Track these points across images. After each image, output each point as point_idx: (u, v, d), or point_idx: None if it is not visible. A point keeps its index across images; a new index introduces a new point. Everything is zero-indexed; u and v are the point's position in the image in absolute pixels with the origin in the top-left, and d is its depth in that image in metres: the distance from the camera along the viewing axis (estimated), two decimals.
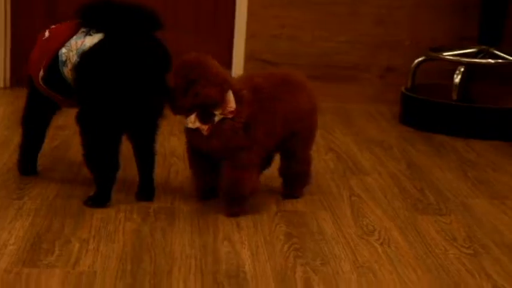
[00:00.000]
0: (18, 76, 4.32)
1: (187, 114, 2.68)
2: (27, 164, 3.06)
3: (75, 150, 3.12)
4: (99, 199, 2.75)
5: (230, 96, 2.63)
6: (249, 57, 4.35)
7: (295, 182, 2.94)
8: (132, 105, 2.68)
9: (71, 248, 2.39)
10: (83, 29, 2.76)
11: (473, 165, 3.41)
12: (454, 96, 3.90)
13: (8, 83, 4.51)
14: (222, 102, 2.62)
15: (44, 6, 4.45)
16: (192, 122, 2.66)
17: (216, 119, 2.63)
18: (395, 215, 2.80)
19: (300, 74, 2.94)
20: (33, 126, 3.06)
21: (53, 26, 2.94)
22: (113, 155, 2.75)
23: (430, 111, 3.96)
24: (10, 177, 3.01)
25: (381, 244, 2.54)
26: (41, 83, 2.86)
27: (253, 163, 2.72)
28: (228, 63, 4.29)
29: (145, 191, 2.85)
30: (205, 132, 2.66)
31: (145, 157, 2.85)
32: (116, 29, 2.72)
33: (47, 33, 2.91)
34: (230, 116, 2.63)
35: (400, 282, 2.26)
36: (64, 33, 2.82)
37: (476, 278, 2.31)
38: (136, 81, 2.65)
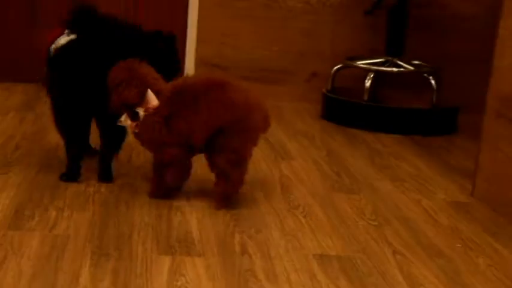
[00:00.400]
0: None
1: (120, 113, 2.59)
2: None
3: (53, 134, 3.08)
4: (70, 175, 2.73)
5: (150, 95, 2.52)
6: (199, 62, 4.35)
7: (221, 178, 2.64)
8: (93, 97, 2.64)
9: (49, 215, 2.38)
10: (67, 30, 2.74)
11: (379, 154, 3.45)
12: (365, 98, 3.94)
13: None
14: (140, 102, 2.52)
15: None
16: (124, 120, 2.58)
17: (141, 116, 2.54)
18: (316, 193, 2.82)
19: (235, 80, 2.74)
20: None
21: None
22: (77, 138, 2.75)
23: (346, 109, 3.99)
24: None
25: (304, 216, 2.57)
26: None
27: (178, 158, 2.61)
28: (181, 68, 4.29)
29: (105, 173, 2.79)
30: (135, 129, 2.58)
31: (107, 143, 2.80)
32: (89, 30, 2.70)
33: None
34: (152, 112, 2.53)
35: (319, 247, 2.30)
36: (58, 32, 2.77)
37: (380, 244, 2.36)
38: (98, 75, 2.58)
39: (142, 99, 2.53)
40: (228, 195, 2.62)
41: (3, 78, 4.29)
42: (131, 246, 2.19)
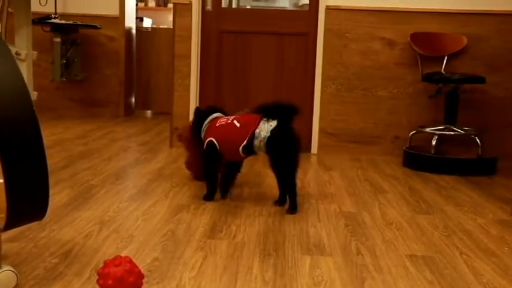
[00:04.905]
0: None
1: None
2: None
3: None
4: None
5: None
6: (320, 131, 4.30)
7: None
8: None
9: (231, 229, 2.37)
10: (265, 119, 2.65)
11: (444, 188, 3.25)
12: (432, 151, 3.78)
13: None
14: None
15: None
16: None
17: None
18: (404, 214, 2.67)
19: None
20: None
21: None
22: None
23: (420, 159, 3.83)
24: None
25: (397, 230, 2.43)
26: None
27: None
28: (309, 135, 4.29)
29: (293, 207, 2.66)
30: None
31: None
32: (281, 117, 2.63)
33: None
34: None
35: (409, 249, 2.16)
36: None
37: (450, 248, 2.19)
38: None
39: None
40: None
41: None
42: (284, 249, 2.15)
